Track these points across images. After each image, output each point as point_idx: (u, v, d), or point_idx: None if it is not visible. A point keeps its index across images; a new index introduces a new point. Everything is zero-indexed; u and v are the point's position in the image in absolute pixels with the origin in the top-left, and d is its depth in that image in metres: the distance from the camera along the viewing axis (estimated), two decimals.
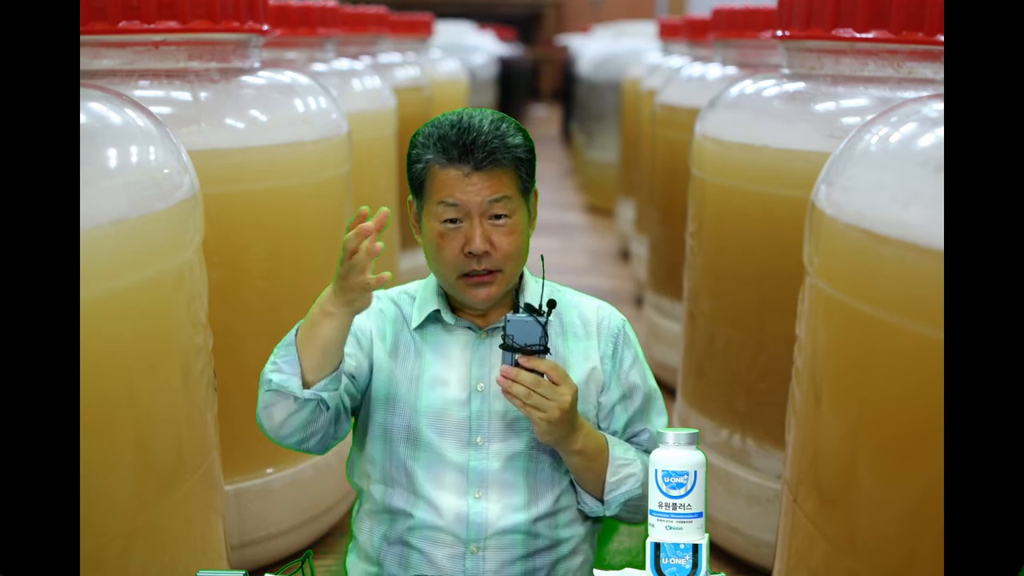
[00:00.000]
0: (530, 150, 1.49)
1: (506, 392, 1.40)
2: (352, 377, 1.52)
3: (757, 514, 2.58)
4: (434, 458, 1.50)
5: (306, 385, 1.42)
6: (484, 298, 1.48)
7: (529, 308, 1.41)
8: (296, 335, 1.43)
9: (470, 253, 1.44)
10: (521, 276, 1.57)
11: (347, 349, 1.50)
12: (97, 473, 1.45)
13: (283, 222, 2.50)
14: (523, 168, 1.47)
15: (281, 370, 1.42)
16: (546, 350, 1.40)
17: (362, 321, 1.55)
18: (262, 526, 2.51)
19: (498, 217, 1.45)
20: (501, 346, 1.40)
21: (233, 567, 2.04)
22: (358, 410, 1.57)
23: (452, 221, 1.45)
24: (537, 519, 1.51)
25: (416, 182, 1.49)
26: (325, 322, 1.40)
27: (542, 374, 1.40)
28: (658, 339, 4.15)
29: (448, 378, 1.52)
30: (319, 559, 2.59)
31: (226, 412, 2.03)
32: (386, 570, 1.54)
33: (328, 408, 1.44)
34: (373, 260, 1.34)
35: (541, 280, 1.54)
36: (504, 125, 1.46)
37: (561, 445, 1.45)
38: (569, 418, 1.41)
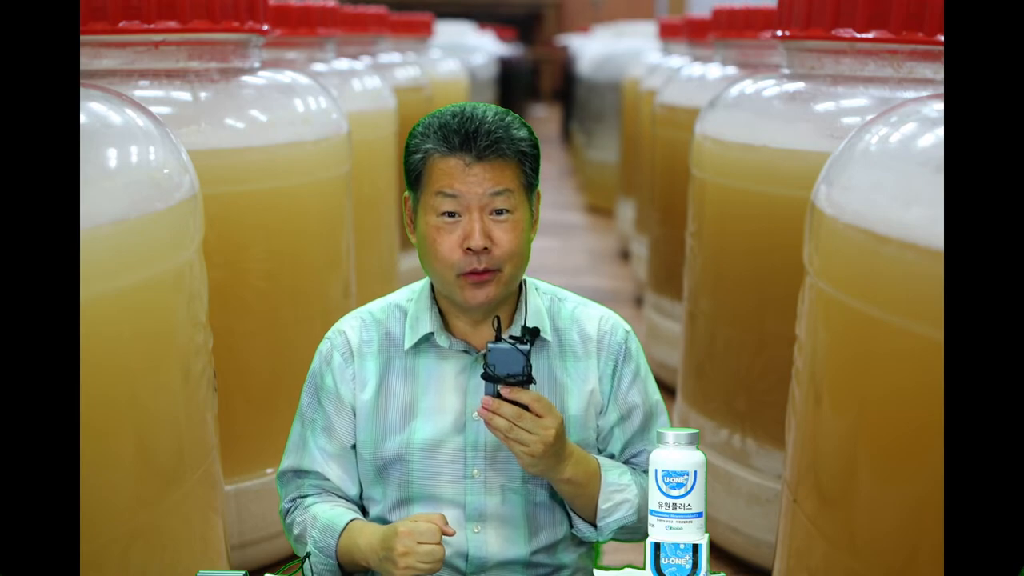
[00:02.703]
0: (535, 145, 1.43)
1: (488, 424, 1.34)
2: (347, 451, 1.52)
3: (757, 514, 2.58)
4: (430, 494, 1.47)
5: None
6: (483, 300, 1.40)
7: (512, 336, 1.33)
8: (336, 553, 1.45)
9: (469, 249, 1.36)
10: (522, 287, 1.51)
11: (330, 420, 1.50)
12: (97, 473, 1.45)
13: (283, 222, 2.50)
14: (527, 163, 1.40)
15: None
16: (530, 380, 1.33)
17: (341, 372, 1.50)
18: (262, 526, 2.51)
19: (499, 212, 1.37)
20: (482, 376, 1.33)
21: (233, 567, 2.04)
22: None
23: (450, 215, 1.37)
24: (537, 551, 1.48)
25: (413, 173, 1.41)
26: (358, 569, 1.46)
27: (526, 406, 1.33)
28: (658, 339, 4.15)
29: (442, 407, 1.46)
30: None
31: (226, 412, 2.03)
32: None
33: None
34: None
35: (533, 283, 1.50)
36: (509, 118, 1.40)
37: (548, 475, 1.40)
38: (555, 451, 1.35)
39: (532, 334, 1.34)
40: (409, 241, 1.50)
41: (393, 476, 1.48)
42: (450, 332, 1.48)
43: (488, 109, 1.40)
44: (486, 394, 1.34)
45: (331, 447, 1.51)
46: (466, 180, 1.36)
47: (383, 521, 1.50)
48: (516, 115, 1.44)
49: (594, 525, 1.46)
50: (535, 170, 1.43)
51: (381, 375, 1.48)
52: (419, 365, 1.48)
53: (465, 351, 1.47)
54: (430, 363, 1.48)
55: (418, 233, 1.44)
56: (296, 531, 1.52)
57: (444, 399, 1.46)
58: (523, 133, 1.41)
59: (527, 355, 1.32)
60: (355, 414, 1.50)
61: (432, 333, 1.46)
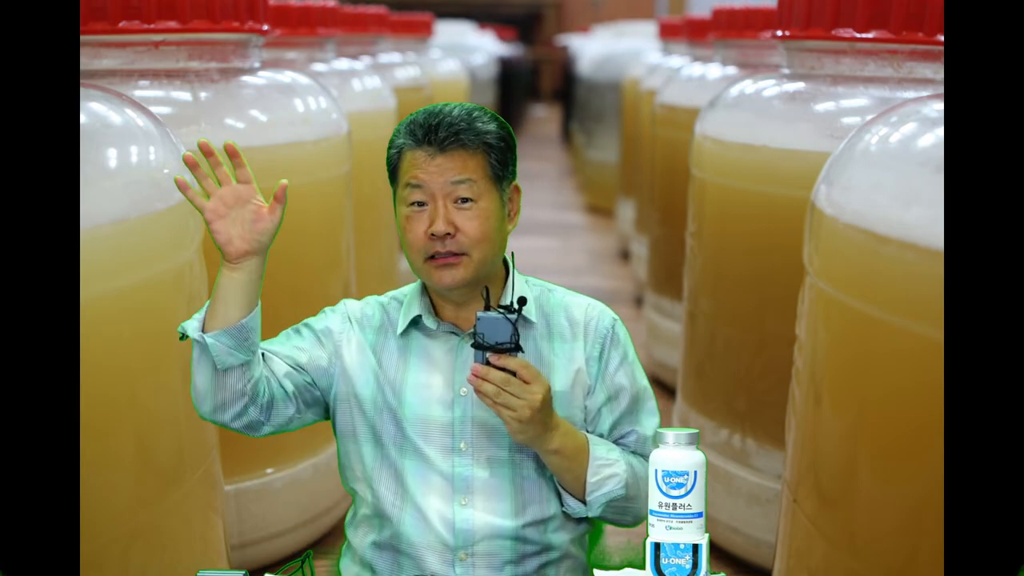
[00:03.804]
0: (503, 139, 1.48)
1: (477, 391, 1.39)
2: (300, 368, 1.51)
3: (757, 514, 2.58)
4: (421, 463, 1.50)
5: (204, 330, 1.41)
6: (449, 282, 1.45)
7: (500, 306, 1.39)
8: (204, 315, 1.44)
9: (433, 235, 1.43)
10: (507, 273, 1.55)
11: (304, 344, 1.53)
12: (97, 473, 1.45)
13: (283, 222, 2.50)
14: (493, 154, 1.46)
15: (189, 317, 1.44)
16: (517, 348, 1.39)
17: (336, 323, 1.56)
18: (262, 526, 2.51)
19: (464, 201, 1.44)
20: (472, 344, 1.39)
21: (233, 567, 2.04)
22: (322, 407, 1.56)
23: (419, 204, 1.45)
24: (525, 525, 1.50)
25: (391, 168, 1.52)
26: (221, 272, 1.43)
27: (514, 372, 1.38)
28: (658, 339, 4.14)
29: (432, 383, 1.51)
30: (319, 559, 2.59)
31: None
32: (379, 575, 1.53)
33: (226, 370, 1.41)
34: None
35: (523, 277, 1.53)
36: (477, 113, 1.48)
37: (536, 444, 1.44)
38: (541, 417, 1.40)
39: (519, 303, 1.40)
40: None
41: (388, 444, 1.52)
42: (438, 316, 1.54)
43: (457, 106, 1.48)
44: (475, 362, 1.39)
45: (299, 353, 1.52)
46: (428, 170, 1.45)
47: (371, 515, 1.52)
48: (489, 111, 1.50)
49: (583, 501, 1.49)
50: (503, 162, 1.48)
51: (377, 351, 1.55)
52: (410, 346, 1.55)
53: (453, 332, 1.53)
54: (420, 343, 1.54)
55: (396, 225, 1.52)
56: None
57: (432, 376, 1.52)
58: (490, 127, 1.47)
59: (515, 324, 1.38)
60: (333, 366, 1.53)
61: (420, 316, 1.53)
